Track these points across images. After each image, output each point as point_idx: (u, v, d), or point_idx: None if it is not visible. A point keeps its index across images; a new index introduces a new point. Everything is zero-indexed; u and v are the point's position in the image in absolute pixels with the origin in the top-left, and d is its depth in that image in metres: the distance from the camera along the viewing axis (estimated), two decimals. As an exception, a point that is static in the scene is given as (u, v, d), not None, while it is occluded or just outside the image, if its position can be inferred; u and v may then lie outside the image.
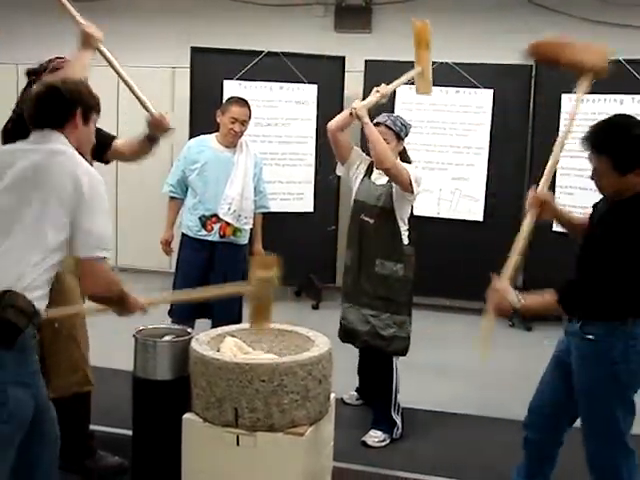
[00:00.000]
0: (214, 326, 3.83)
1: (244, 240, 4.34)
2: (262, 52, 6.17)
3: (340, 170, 3.91)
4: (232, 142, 4.24)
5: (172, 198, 4.37)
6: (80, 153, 2.36)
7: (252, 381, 2.63)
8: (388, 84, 3.76)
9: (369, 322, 3.62)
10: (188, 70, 6.25)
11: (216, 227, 4.20)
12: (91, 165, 3.17)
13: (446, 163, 6.16)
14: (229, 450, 2.70)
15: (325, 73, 6.34)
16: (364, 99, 6.28)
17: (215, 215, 4.19)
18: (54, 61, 3.05)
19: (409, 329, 3.69)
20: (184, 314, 4.17)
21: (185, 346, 2.91)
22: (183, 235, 4.32)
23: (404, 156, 3.76)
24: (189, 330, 3.13)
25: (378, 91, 3.68)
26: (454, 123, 6.15)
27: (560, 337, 2.80)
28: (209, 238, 4.21)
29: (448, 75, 6.04)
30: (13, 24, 7.10)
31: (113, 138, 3.38)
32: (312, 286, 6.53)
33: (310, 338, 2.99)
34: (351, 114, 3.62)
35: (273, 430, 2.67)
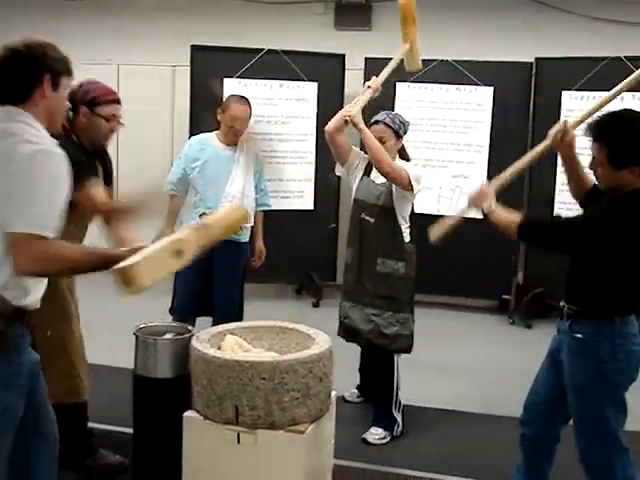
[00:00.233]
0: (215, 324, 3.83)
1: (245, 238, 4.34)
2: (262, 50, 6.16)
3: (339, 170, 3.91)
4: (233, 140, 4.24)
5: (173, 196, 4.37)
6: (52, 124, 2.19)
7: (253, 379, 2.63)
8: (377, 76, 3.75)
9: (372, 321, 3.62)
10: (188, 68, 6.24)
11: (216, 225, 4.20)
12: (104, 150, 3.18)
13: (446, 161, 6.16)
14: (230, 448, 2.70)
15: (325, 71, 6.34)
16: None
17: (216, 213, 4.19)
18: (86, 84, 3.00)
19: (412, 327, 3.69)
20: (185, 312, 4.17)
21: (186, 344, 2.91)
22: (183, 233, 4.31)
23: (403, 153, 3.77)
24: (190, 328, 3.13)
25: (369, 86, 3.67)
26: (454, 121, 6.15)
27: (554, 334, 2.81)
28: (209, 236, 4.21)
29: (448, 72, 6.05)
30: (9, 24, 7.08)
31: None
32: (312, 284, 6.53)
33: (311, 336, 2.99)
34: (346, 122, 3.60)
35: (274, 428, 2.67)
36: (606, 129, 2.48)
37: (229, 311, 4.19)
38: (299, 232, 6.24)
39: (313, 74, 6.29)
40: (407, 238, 3.65)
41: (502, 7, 6.48)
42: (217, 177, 4.20)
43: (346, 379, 3.99)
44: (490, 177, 6.05)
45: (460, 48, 6.19)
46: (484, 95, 6.04)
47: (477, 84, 6.03)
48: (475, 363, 4.93)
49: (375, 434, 3.66)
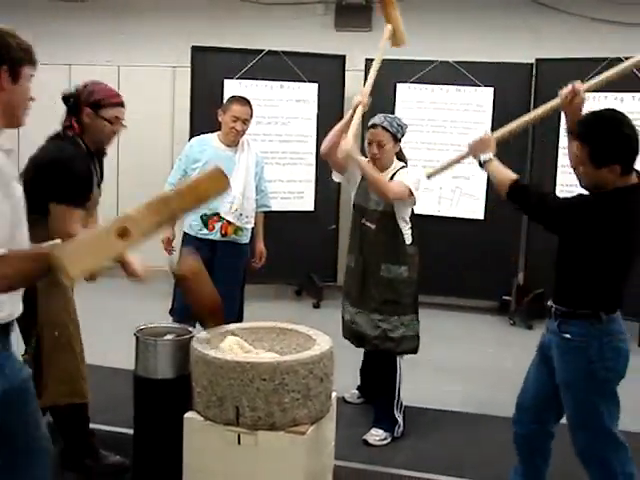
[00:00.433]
0: (215, 325, 3.83)
1: (246, 239, 4.34)
2: (262, 51, 6.17)
3: (337, 177, 3.89)
4: (234, 141, 4.24)
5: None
6: (12, 121, 2.01)
7: (253, 380, 2.63)
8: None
9: (379, 327, 3.62)
10: (189, 69, 6.25)
11: (217, 226, 4.20)
12: (104, 152, 3.18)
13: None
14: (230, 449, 2.70)
15: (325, 72, 6.34)
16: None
17: (217, 214, 4.19)
18: (90, 85, 3.02)
19: (417, 327, 3.70)
20: (185, 313, 4.17)
21: (186, 345, 2.91)
22: (184, 234, 4.32)
23: (400, 155, 3.75)
24: (190, 329, 3.13)
25: (360, 101, 3.60)
26: (454, 121, 6.15)
27: (543, 332, 2.83)
28: (210, 237, 4.22)
29: (449, 73, 6.05)
30: (11, 23, 7.10)
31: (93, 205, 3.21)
32: (313, 285, 6.53)
33: (311, 337, 2.99)
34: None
35: (274, 429, 2.67)
36: (588, 128, 2.54)
37: (229, 312, 4.17)
38: (299, 233, 6.24)
39: (313, 75, 6.29)
40: (409, 240, 3.64)
41: (502, 8, 6.48)
42: (217, 178, 4.19)
43: (346, 380, 3.99)
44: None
45: (460, 49, 6.20)
46: (484, 96, 6.05)
47: (477, 85, 6.03)
48: (475, 364, 4.93)
49: (376, 435, 3.66)
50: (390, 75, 6.17)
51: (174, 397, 2.90)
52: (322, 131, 6.38)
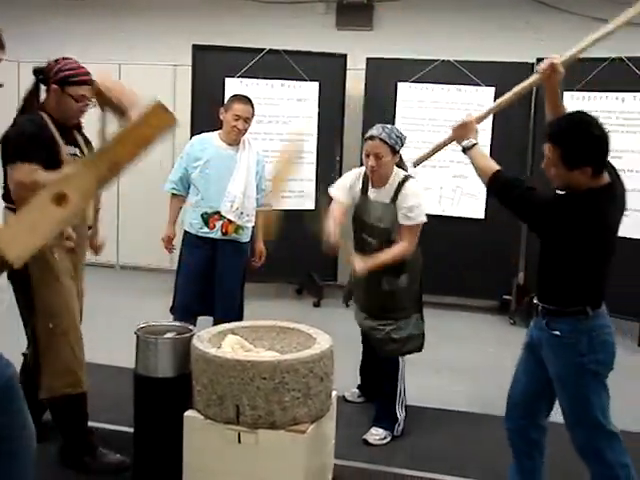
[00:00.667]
0: (215, 323, 3.83)
1: (246, 238, 4.34)
2: (263, 50, 6.16)
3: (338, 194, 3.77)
4: (235, 139, 4.24)
5: (174, 195, 4.37)
6: None
7: (253, 378, 2.64)
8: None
9: (383, 330, 3.62)
10: (189, 68, 6.24)
11: (218, 225, 4.20)
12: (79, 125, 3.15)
13: (447, 161, 6.14)
14: (230, 447, 2.70)
15: (326, 71, 6.34)
16: (366, 95, 6.31)
17: (217, 212, 4.19)
18: (61, 61, 3.02)
19: (422, 326, 3.71)
20: (185, 311, 4.17)
21: (186, 343, 2.91)
22: (185, 232, 4.32)
23: (400, 165, 3.70)
24: (190, 327, 3.13)
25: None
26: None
27: (530, 327, 2.85)
28: (211, 235, 4.21)
29: (450, 73, 6.05)
30: (10, 22, 7.07)
31: None
32: (313, 284, 6.53)
33: (311, 336, 2.99)
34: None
35: (274, 428, 2.67)
36: (560, 131, 2.57)
37: (230, 311, 4.19)
38: (300, 232, 6.23)
39: (314, 74, 6.29)
40: None
41: (504, 7, 6.48)
42: (219, 176, 4.20)
43: (347, 379, 3.99)
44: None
45: (461, 48, 6.20)
46: (485, 95, 6.03)
47: (478, 84, 6.03)
48: (476, 363, 4.93)
49: (375, 435, 3.65)
50: (391, 74, 6.19)
51: (174, 395, 2.90)
52: (323, 130, 6.42)
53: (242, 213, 4.22)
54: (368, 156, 3.55)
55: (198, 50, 6.19)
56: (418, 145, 5.93)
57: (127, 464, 3.14)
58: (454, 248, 6.09)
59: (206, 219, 4.21)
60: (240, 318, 4.14)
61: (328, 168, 6.35)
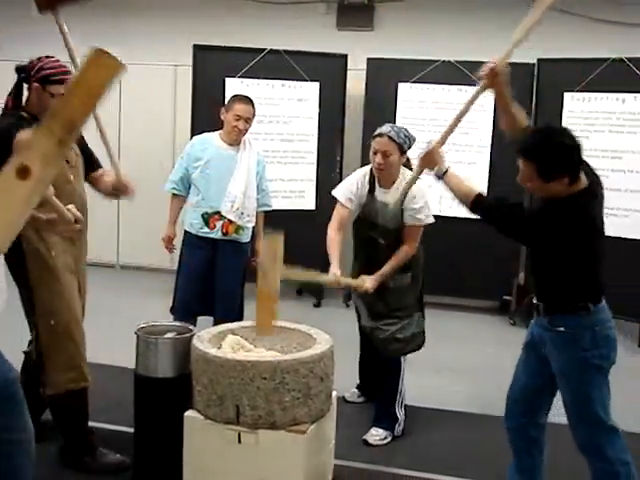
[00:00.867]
0: (215, 323, 3.84)
1: (246, 238, 4.34)
2: (264, 50, 6.16)
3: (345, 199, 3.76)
4: (236, 140, 4.24)
5: (175, 195, 4.37)
6: None
7: (254, 379, 2.64)
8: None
9: (387, 330, 3.62)
10: (190, 68, 6.24)
11: (219, 225, 4.20)
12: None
13: (448, 161, 6.12)
14: (230, 448, 2.70)
15: (327, 71, 6.34)
16: (366, 95, 6.30)
17: (218, 212, 4.19)
18: (43, 60, 3.02)
19: (423, 324, 3.72)
20: (185, 311, 4.18)
21: (187, 343, 2.92)
22: (185, 233, 4.32)
23: (408, 165, 3.69)
24: (191, 327, 3.13)
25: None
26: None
27: (530, 326, 2.87)
28: (211, 236, 4.21)
29: (450, 73, 6.04)
30: (10, 22, 7.08)
31: (100, 166, 3.32)
32: (313, 284, 6.52)
33: (312, 336, 2.99)
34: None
35: (275, 428, 2.67)
36: (531, 146, 2.62)
37: (230, 311, 4.19)
38: (300, 232, 6.23)
39: (315, 74, 6.29)
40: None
41: (504, 8, 6.46)
42: (219, 177, 4.20)
43: (347, 379, 3.99)
44: (491, 178, 6.10)
45: (462, 48, 6.19)
46: (486, 96, 6.03)
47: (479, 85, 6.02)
48: (476, 364, 4.93)
49: (375, 435, 3.65)
50: (392, 75, 6.19)
51: (174, 396, 2.90)
52: (323, 130, 6.42)
53: (242, 213, 4.22)
54: (376, 154, 3.55)
55: (199, 50, 6.19)
56: (419, 145, 5.94)
57: (127, 464, 3.14)
58: (454, 248, 6.09)
59: (206, 219, 4.21)
60: (240, 318, 4.14)
61: (328, 168, 6.34)
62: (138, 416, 3.02)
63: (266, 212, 4.53)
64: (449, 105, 6.13)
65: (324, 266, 5.71)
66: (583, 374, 2.64)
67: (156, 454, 2.96)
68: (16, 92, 3.03)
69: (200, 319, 4.21)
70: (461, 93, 6.11)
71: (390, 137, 3.53)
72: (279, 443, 2.67)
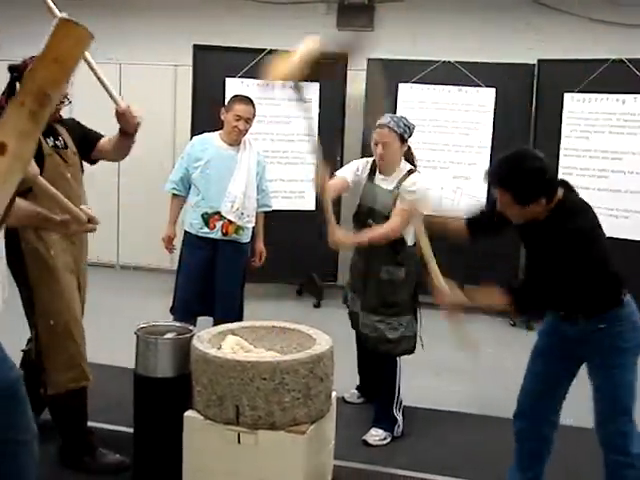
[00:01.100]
0: (215, 324, 3.83)
1: (246, 238, 4.34)
2: (264, 50, 6.16)
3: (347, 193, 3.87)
4: (236, 140, 4.24)
5: (175, 195, 4.37)
6: None
7: (253, 379, 2.64)
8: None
9: (377, 328, 3.62)
10: (190, 68, 6.24)
11: (219, 225, 4.20)
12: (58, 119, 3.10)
13: (448, 162, 6.16)
14: (230, 448, 2.70)
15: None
16: (366, 96, 6.30)
17: (218, 213, 4.19)
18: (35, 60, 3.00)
19: (415, 327, 3.70)
20: (185, 311, 4.17)
21: (186, 344, 2.91)
22: (185, 233, 4.31)
23: (408, 156, 3.73)
24: (190, 328, 3.13)
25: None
26: (456, 122, 6.15)
27: (544, 330, 2.91)
28: (211, 236, 4.21)
29: (451, 74, 6.05)
30: (10, 21, 7.06)
31: (100, 137, 3.29)
32: (313, 284, 6.52)
33: (311, 336, 2.99)
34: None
35: (274, 428, 2.67)
36: (504, 175, 2.63)
37: (230, 311, 4.19)
38: (300, 232, 6.24)
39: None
40: (411, 242, 3.64)
41: (504, 8, 6.48)
42: (219, 177, 4.20)
43: (346, 380, 3.99)
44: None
45: (462, 49, 6.20)
46: (486, 96, 6.04)
47: (479, 85, 6.03)
48: (475, 364, 4.92)
49: (375, 435, 3.65)
50: (392, 75, 6.18)
51: (174, 396, 2.90)
52: (323, 130, 6.41)
53: (242, 213, 4.22)
54: (377, 144, 3.62)
55: (199, 50, 6.20)
56: (419, 146, 5.94)
57: (127, 464, 3.14)
58: (453, 248, 6.07)
59: (206, 219, 4.21)
60: (240, 318, 4.14)
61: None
62: (138, 416, 3.02)
63: (266, 213, 4.53)
64: (449, 106, 6.15)
65: (325, 265, 5.76)
66: (625, 361, 2.68)
67: (156, 454, 2.96)
68: (9, 91, 3.03)
69: (200, 319, 4.20)
70: (461, 93, 6.12)
71: (390, 127, 3.59)
72: (279, 443, 2.67)
